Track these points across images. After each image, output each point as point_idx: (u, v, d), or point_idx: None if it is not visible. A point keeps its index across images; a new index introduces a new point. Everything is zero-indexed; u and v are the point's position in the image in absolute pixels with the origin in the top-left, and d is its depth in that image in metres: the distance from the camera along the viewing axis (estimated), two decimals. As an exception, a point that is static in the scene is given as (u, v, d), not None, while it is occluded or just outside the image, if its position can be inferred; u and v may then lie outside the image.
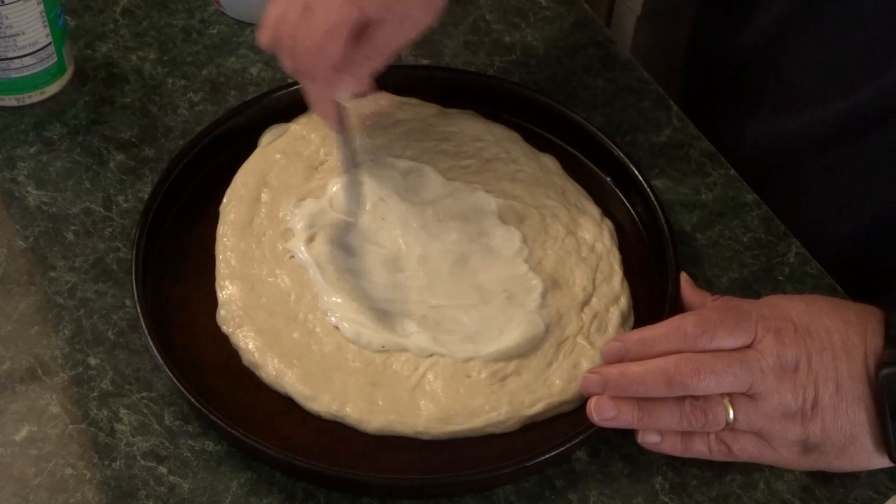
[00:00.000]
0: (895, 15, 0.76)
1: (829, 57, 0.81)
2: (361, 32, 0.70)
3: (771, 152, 0.84)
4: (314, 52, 0.69)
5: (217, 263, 0.75)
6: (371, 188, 0.77)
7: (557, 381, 0.70)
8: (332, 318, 0.72)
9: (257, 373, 0.70)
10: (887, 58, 0.77)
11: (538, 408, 0.69)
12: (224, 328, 0.72)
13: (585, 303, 0.73)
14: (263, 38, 0.72)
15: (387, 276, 0.74)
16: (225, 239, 0.76)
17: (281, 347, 0.70)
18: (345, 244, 0.75)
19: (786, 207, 0.82)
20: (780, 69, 0.85)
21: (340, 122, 0.76)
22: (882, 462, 0.66)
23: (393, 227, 0.76)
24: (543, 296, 0.73)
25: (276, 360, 0.70)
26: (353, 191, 0.76)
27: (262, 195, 0.78)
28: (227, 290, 0.73)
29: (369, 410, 0.68)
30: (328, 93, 0.73)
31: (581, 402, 0.69)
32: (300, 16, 0.69)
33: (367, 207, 0.77)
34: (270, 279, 0.74)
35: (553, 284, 0.74)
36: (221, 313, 0.72)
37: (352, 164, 0.77)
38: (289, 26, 0.70)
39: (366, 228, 0.76)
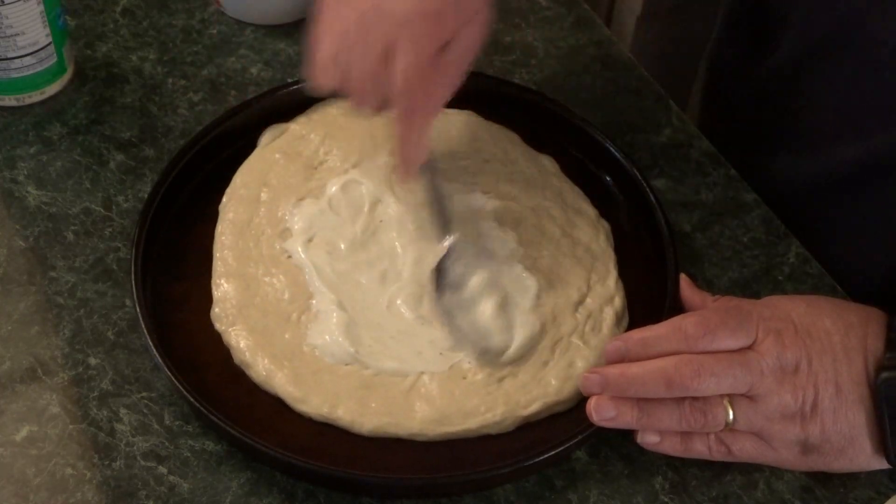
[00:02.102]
0: None
1: (843, 102, 0.80)
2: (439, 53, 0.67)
3: (788, 192, 0.83)
4: (405, 91, 0.66)
5: (214, 261, 0.75)
6: (368, 189, 0.77)
7: (553, 381, 0.70)
8: (320, 339, 0.71)
9: (248, 372, 0.70)
10: None
11: (534, 408, 0.69)
12: (217, 326, 0.72)
13: (580, 303, 0.73)
14: (322, 78, 0.69)
15: (381, 282, 0.74)
16: (223, 237, 0.76)
17: (272, 348, 0.70)
18: (343, 246, 0.75)
19: (801, 227, 0.81)
20: (797, 110, 0.84)
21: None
22: (881, 464, 0.66)
23: (389, 230, 0.76)
24: (538, 296, 0.73)
25: (266, 361, 0.70)
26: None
27: (262, 195, 0.78)
28: (223, 288, 0.73)
29: (361, 413, 0.68)
30: (420, 125, 0.69)
31: (576, 402, 0.69)
32: (377, 57, 0.66)
33: (365, 209, 0.77)
34: (266, 278, 0.74)
35: (548, 285, 0.74)
36: (215, 311, 0.72)
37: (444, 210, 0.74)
38: (363, 68, 0.66)
39: (363, 231, 0.76)
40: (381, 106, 0.69)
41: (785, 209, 0.82)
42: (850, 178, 0.80)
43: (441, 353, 0.71)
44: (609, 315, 0.73)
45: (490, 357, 0.70)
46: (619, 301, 0.74)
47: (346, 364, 0.70)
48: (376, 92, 0.68)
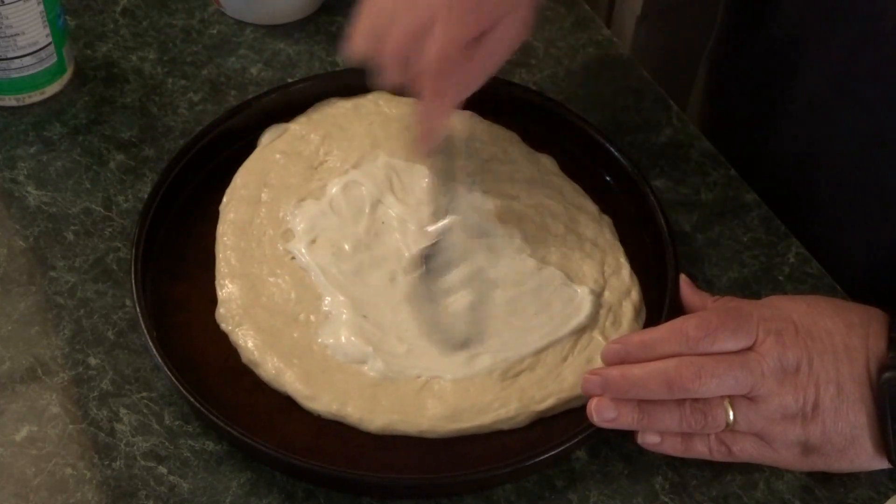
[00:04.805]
0: None
1: (844, 76, 0.79)
2: (474, 42, 0.68)
3: (789, 170, 0.83)
4: (435, 71, 0.68)
5: (217, 262, 0.75)
6: (369, 190, 0.77)
7: (570, 377, 0.70)
8: (333, 338, 0.71)
9: (256, 371, 0.70)
10: None
11: (548, 403, 0.69)
12: (223, 326, 0.72)
13: (599, 295, 0.73)
14: (357, 46, 0.70)
15: (391, 283, 0.73)
16: (225, 238, 0.76)
17: (281, 347, 0.70)
18: (347, 248, 0.75)
19: (803, 226, 0.81)
20: (797, 85, 0.83)
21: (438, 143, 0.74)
22: (882, 464, 0.66)
23: (392, 231, 0.76)
24: (567, 284, 0.73)
25: (275, 359, 0.70)
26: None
27: (262, 195, 0.78)
28: (227, 289, 0.73)
29: (371, 410, 0.68)
30: (443, 109, 0.71)
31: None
32: (414, 32, 0.67)
33: (366, 210, 0.77)
34: (271, 279, 0.74)
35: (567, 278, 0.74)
36: (221, 311, 0.72)
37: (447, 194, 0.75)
38: (398, 40, 0.68)
39: (365, 232, 0.76)
40: (404, 84, 0.70)
41: (785, 206, 0.82)
42: (851, 156, 0.80)
43: (466, 361, 0.70)
44: (628, 309, 0.73)
45: (447, 349, 0.70)
46: (636, 294, 0.74)
47: (360, 363, 0.70)
48: (404, 68, 0.69)
